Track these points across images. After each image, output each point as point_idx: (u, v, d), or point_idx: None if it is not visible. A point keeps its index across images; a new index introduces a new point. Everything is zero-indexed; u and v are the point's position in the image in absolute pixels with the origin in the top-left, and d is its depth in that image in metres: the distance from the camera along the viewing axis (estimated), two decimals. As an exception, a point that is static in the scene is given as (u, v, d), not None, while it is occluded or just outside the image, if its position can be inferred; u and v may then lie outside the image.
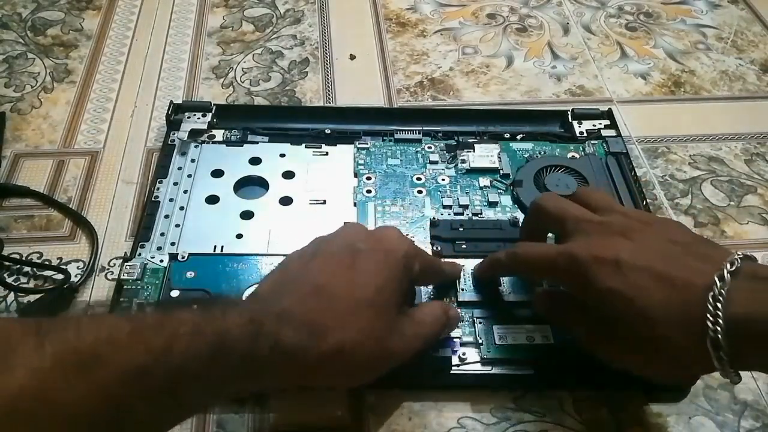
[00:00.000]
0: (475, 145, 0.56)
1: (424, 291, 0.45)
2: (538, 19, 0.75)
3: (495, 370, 0.42)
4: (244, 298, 0.38)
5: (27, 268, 0.49)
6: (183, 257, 0.47)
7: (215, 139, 0.56)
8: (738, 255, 0.33)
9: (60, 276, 0.48)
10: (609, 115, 0.59)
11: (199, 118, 0.57)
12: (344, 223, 0.42)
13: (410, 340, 0.37)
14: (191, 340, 0.29)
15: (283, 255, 0.39)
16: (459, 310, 0.43)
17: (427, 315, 0.40)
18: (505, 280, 0.46)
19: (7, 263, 0.49)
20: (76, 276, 0.48)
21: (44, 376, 0.26)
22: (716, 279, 0.32)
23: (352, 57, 0.69)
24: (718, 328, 0.31)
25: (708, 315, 0.31)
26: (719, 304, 0.31)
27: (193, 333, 0.30)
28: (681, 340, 0.33)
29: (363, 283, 0.35)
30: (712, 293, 0.32)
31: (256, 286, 0.38)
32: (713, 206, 0.55)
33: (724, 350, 0.31)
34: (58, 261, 0.50)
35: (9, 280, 0.48)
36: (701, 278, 0.33)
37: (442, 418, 0.41)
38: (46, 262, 0.50)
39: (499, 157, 0.55)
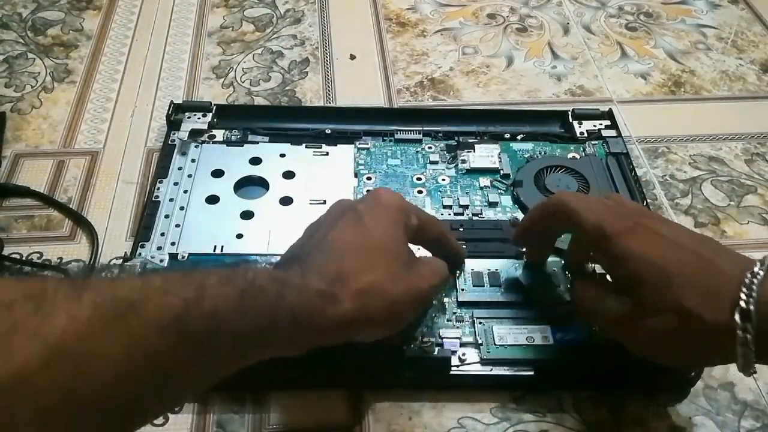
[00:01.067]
0: (476, 145, 0.56)
1: None
2: (538, 19, 0.75)
3: (495, 371, 0.42)
4: None
5: (27, 268, 0.49)
6: (183, 257, 0.47)
7: (216, 139, 0.56)
8: None
9: (60, 276, 0.48)
10: (609, 115, 0.59)
11: (199, 118, 0.57)
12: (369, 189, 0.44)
13: (429, 277, 0.38)
14: (220, 288, 0.30)
15: (283, 255, 0.39)
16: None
17: (434, 259, 0.42)
18: (503, 279, 0.45)
19: (7, 263, 0.49)
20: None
21: (84, 322, 0.27)
22: (758, 263, 0.33)
23: (352, 57, 0.69)
24: (751, 300, 0.32)
25: (743, 287, 0.32)
26: (756, 280, 0.32)
27: (221, 283, 0.31)
28: (709, 315, 0.33)
29: (373, 234, 0.36)
30: (750, 272, 0.33)
31: None
32: (713, 206, 0.55)
33: (753, 323, 0.32)
34: (59, 261, 0.50)
35: (9, 280, 0.48)
36: (736, 265, 0.34)
37: (442, 418, 0.41)
38: (47, 262, 0.50)
39: (500, 158, 0.55)
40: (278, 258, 0.39)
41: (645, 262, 0.35)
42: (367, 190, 0.52)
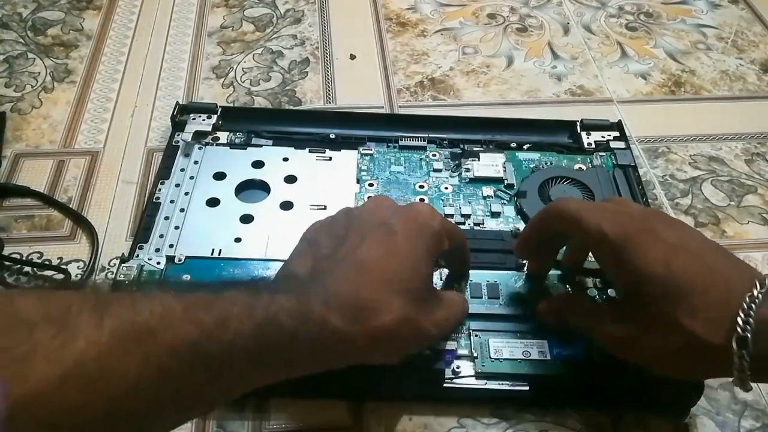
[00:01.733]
0: (481, 153, 0.55)
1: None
2: (539, 19, 0.75)
3: (489, 385, 0.41)
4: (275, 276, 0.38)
5: (27, 268, 0.49)
6: (180, 260, 0.46)
7: (219, 141, 0.56)
8: None
9: (60, 276, 0.48)
10: (619, 126, 0.58)
11: (204, 120, 0.57)
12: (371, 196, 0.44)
13: (442, 322, 0.38)
14: (241, 320, 0.31)
15: (281, 261, 0.39)
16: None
17: (455, 298, 0.41)
18: (503, 293, 0.45)
19: (7, 263, 0.49)
20: (76, 276, 0.48)
21: (102, 347, 0.27)
22: (757, 283, 0.32)
23: (353, 57, 0.69)
24: (748, 327, 0.31)
25: (740, 312, 0.32)
26: (754, 305, 0.32)
27: (242, 314, 0.31)
28: (712, 337, 0.33)
29: (401, 263, 0.36)
30: (749, 294, 0.32)
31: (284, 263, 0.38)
32: (713, 206, 0.55)
33: (749, 350, 0.31)
34: (59, 261, 0.50)
35: (9, 280, 0.48)
36: (743, 279, 0.33)
37: (442, 418, 0.41)
38: (47, 262, 0.50)
39: (504, 167, 0.54)
40: (276, 264, 0.38)
41: (651, 275, 0.34)
42: (368, 197, 0.51)
